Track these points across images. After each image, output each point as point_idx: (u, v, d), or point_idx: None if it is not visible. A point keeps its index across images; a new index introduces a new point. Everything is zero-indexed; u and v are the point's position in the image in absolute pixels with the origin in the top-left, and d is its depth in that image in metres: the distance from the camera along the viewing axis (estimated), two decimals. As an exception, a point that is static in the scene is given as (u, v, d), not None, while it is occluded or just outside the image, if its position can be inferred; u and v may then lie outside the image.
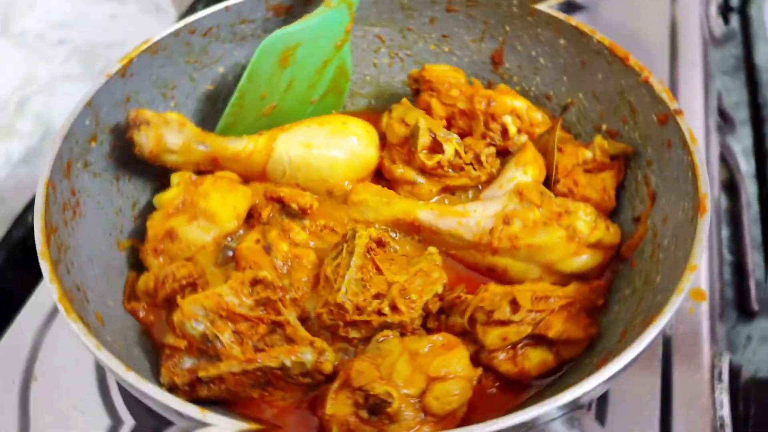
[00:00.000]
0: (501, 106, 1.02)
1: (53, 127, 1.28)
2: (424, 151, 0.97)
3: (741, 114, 1.55)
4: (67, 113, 0.90)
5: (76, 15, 1.30)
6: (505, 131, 1.02)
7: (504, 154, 1.03)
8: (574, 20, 1.02)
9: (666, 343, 0.94)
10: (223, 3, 1.07)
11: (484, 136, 1.03)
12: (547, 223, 0.88)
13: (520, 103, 1.02)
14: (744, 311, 1.20)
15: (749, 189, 1.39)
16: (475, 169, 0.97)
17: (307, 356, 0.76)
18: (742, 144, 1.48)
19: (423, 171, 0.99)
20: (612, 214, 0.98)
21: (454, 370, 0.74)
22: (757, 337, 1.17)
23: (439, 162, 0.96)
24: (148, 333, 0.88)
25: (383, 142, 1.04)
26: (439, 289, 0.84)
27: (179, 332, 0.78)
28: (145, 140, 0.93)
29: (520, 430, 0.63)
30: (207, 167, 1.00)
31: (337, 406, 0.73)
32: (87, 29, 1.34)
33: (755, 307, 1.20)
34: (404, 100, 1.07)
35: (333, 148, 1.01)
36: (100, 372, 0.94)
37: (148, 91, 1.03)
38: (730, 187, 1.39)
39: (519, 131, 1.02)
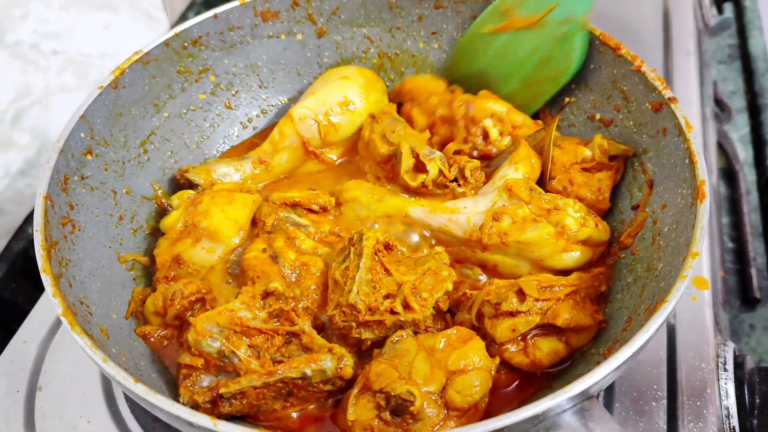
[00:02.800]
0: (480, 110, 1.02)
1: (49, 139, 1.29)
2: (408, 173, 0.98)
3: (737, 102, 1.55)
4: (63, 125, 0.90)
5: (70, 25, 1.30)
6: (486, 135, 1.02)
7: (487, 158, 1.02)
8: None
9: (670, 332, 0.94)
10: (211, 11, 1.08)
11: (465, 141, 1.02)
12: (536, 220, 0.88)
13: (500, 107, 1.02)
14: (746, 299, 1.21)
15: (748, 177, 1.39)
16: (459, 185, 0.97)
17: (327, 363, 0.76)
18: (739, 132, 1.49)
19: (407, 189, 0.99)
20: (610, 203, 0.98)
21: (472, 361, 0.74)
22: (761, 325, 1.17)
23: (423, 182, 0.97)
24: (157, 354, 0.88)
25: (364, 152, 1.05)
26: (450, 287, 0.83)
27: (195, 351, 0.77)
28: (196, 175, 1.04)
29: (533, 422, 0.63)
30: (264, 173, 1.08)
31: (359, 410, 0.73)
32: (80, 39, 1.34)
33: (757, 295, 1.20)
34: (387, 107, 1.06)
35: (331, 77, 1.11)
36: (106, 381, 0.94)
37: (141, 102, 1.03)
38: (729, 174, 1.39)
39: (501, 134, 1.02)
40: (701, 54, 1.42)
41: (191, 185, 1.03)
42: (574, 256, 0.88)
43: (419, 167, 0.97)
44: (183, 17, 1.67)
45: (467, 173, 0.96)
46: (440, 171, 0.96)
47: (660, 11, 1.46)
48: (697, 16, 1.50)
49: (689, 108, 1.26)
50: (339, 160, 1.11)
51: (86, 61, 1.37)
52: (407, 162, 0.97)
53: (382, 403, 0.72)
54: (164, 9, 1.59)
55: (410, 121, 1.07)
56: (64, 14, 1.30)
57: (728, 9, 1.74)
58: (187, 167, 1.04)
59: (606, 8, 1.45)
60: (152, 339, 0.87)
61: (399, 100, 1.11)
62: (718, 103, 1.52)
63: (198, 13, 1.09)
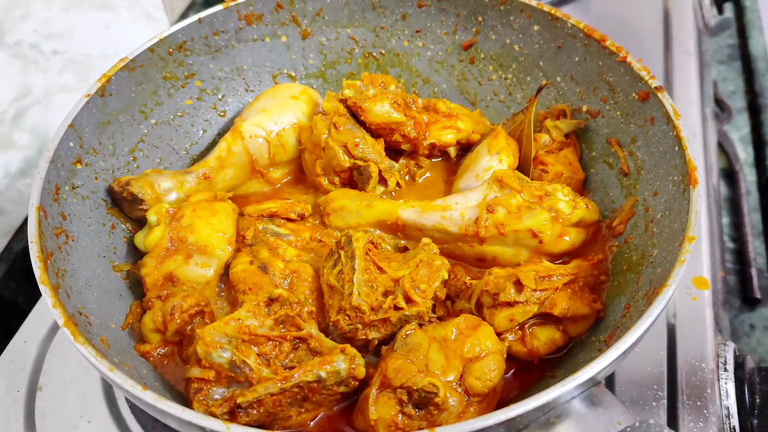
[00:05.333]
0: (443, 144, 1.05)
1: (50, 139, 1.28)
2: (373, 189, 1.01)
3: (738, 102, 1.55)
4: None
5: (70, 25, 1.30)
6: (446, 152, 1.07)
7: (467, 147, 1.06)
8: (546, 6, 1.03)
9: (670, 332, 0.94)
10: (196, 15, 1.07)
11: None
12: (531, 207, 0.89)
13: (455, 136, 1.04)
14: (747, 299, 1.21)
15: (748, 177, 1.39)
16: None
17: (341, 364, 0.76)
18: (739, 132, 1.49)
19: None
20: (602, 193, 0.99)
21: (485, 347, 0.75)
22: (761, 326, 1.17)
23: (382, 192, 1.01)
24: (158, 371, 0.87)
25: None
26: (445, 275, 0.84)
27: (206, 363, 0.76)
28: (141, 189, 0.96)
29: (544, 410, 0.63)
30: (207, 189, 1.02)
31: (381, 408, 0.73)
32: (81, 39, 1.34)
33: (758, 295, 1.20)
34: (342, 109, 1.04)
35: (281, 95, 1.09)
36: (107, 382, 0.94)
37: (128, 109, 1.02)
38: (729, 174, 1.39)
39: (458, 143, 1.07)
40: (701, 54, 1.42)
41: (134, 198, 0.96)
42: (571, 238, 0.90)
43: (380, 180, 1.01)
44: (183, 17, 1.67)
45: (417, 178, 1.05)
46: (397, 182, 1.02)
47: (660, 11, 1.46)
48: (697, 16, 1.49)
49: (689, 108, 1.26)
50: (284, 179, 1.09)
51: (86, 61, 1.37)
52: (375, 181, 1.00)
53: (404, 398, 0.72)
54: (164, 9, 1.59)
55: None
56: (65, 14, 1.30)
57: (728, 9, 1.74)
58: (128, 178, 0.97)
59: (606, 8, 1.45)
60: (151, 358, 0.87)
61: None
62: (718, 103, 1.52)
63: (198, 12, 1.09)
